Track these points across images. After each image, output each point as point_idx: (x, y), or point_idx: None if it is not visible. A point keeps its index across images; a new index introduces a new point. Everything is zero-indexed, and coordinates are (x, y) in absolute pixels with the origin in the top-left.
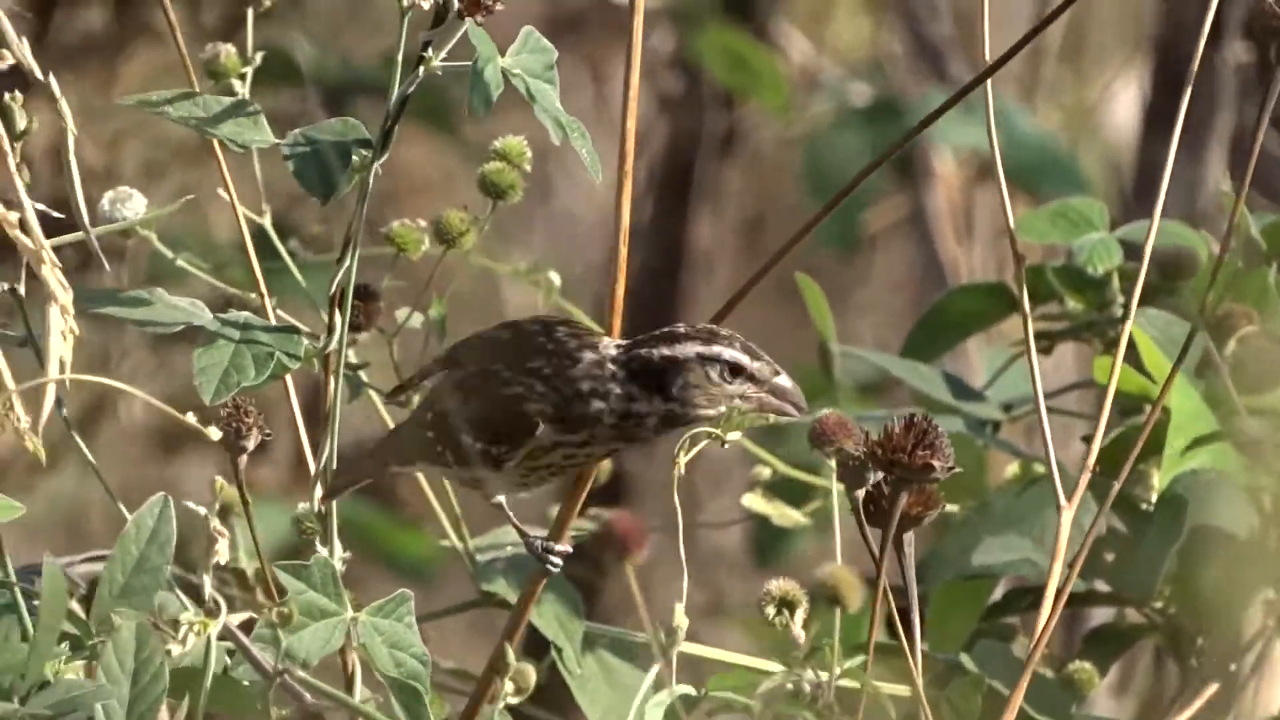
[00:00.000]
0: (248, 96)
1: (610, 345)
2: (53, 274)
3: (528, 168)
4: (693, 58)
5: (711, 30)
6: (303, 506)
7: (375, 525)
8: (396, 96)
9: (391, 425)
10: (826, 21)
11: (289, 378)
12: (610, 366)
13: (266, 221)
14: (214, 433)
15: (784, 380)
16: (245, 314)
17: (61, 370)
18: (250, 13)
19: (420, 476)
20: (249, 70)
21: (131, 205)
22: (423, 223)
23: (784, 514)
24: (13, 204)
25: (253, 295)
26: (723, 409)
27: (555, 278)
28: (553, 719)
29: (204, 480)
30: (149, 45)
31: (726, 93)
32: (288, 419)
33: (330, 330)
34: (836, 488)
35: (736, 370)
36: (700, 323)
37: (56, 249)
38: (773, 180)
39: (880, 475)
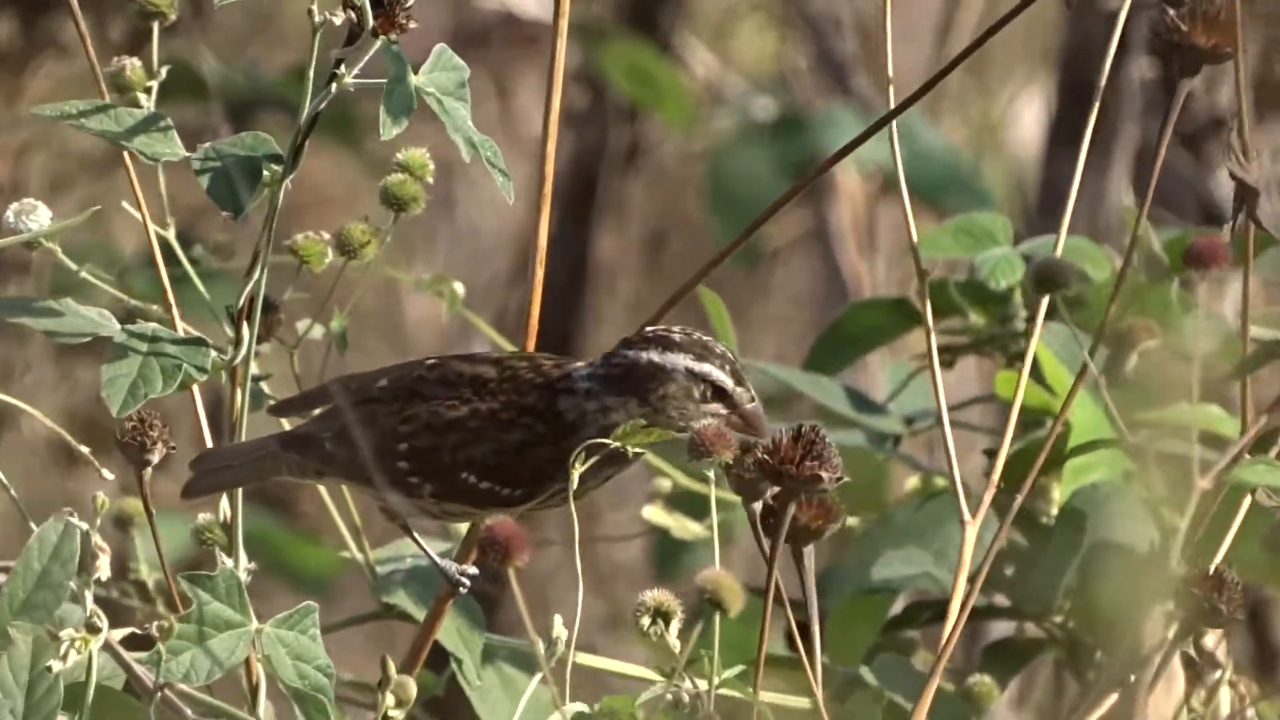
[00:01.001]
0: (153, 110)
1: (570, 366)
2: None
3: (430, 180)
4: (597, 72)
5: (616, 44)
6: (204, 517)
7: (275, 537)
8: (308, 113)
9: None
10: (730, 36)
11: (195, 389)
12: (581, 384)
13: (171, 234)
14: (101, 461)
15: (755, 407)
16: (153, 325)
17: None
18: (155, 27)
19: (323, 489)
20: (154, 84)
21: (36, 217)
22: (325, 235)
23: (684, 526)
24: None
25: (155, 307)
26: (694, 425)
27: (459, 288)
28: None
29: (109, 492)
30: (55, 58)
31: (631, 107)
32: (189, 430)
33: (237, 342)
34: (730, 499)
35: (719, 394)
36: (692, 332)
37: None
38: (676, 194)
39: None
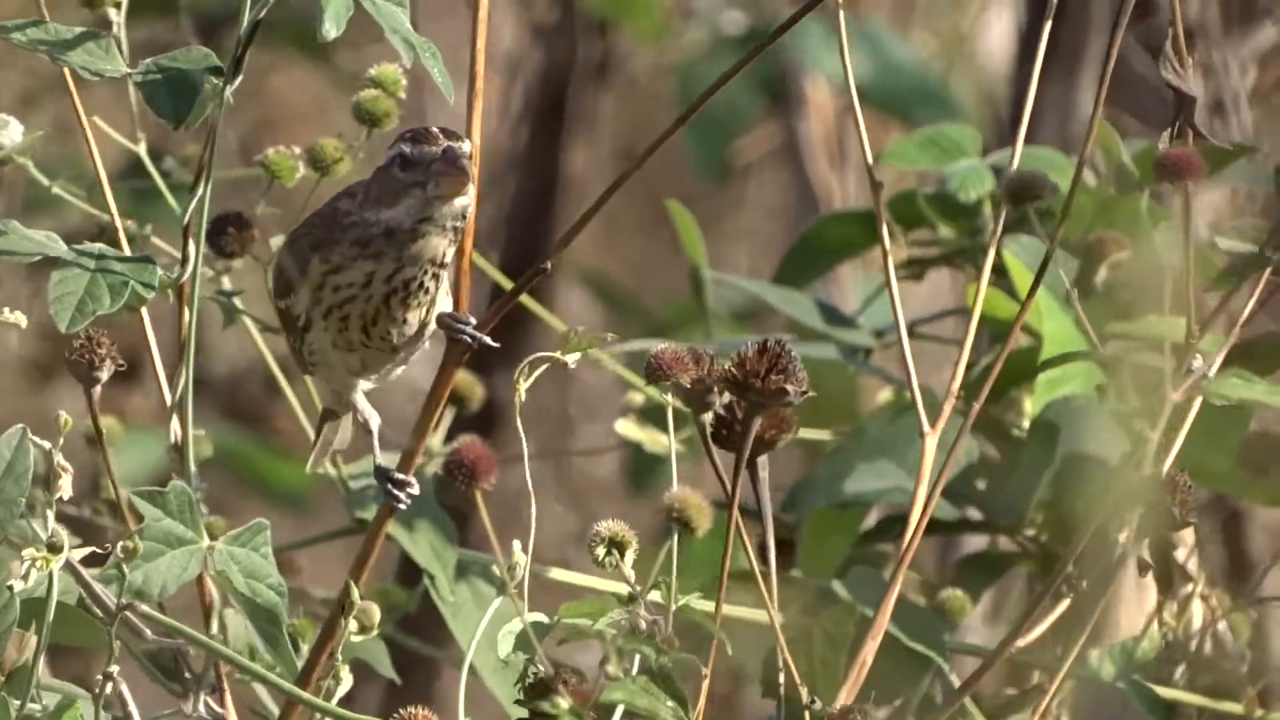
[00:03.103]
0: (122, 25)
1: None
2: None
3: (403, 95)
4: None
5: None
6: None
7: (250, 453)
8: (248, 22)
9: (268, 353)
10: None
11: (162, 307)
12: (359, 196)
13: (141, 149)
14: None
15: (447, 150)
16: (99, 245)
17: None
18: None
19: (298, 404)
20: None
21: (7, 133)
22: (297, 150)
23: (656, 440)
24: None
25: (129, 222)
26: (410, 203)
27: None
28: (426, 647)
29: (79, 411)
30: None
31: (600, 20)
32: (163, 346)
33: (184, 260)
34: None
35: (406, 163)
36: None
37: None
38: (647, 108)
39: (730, 398)
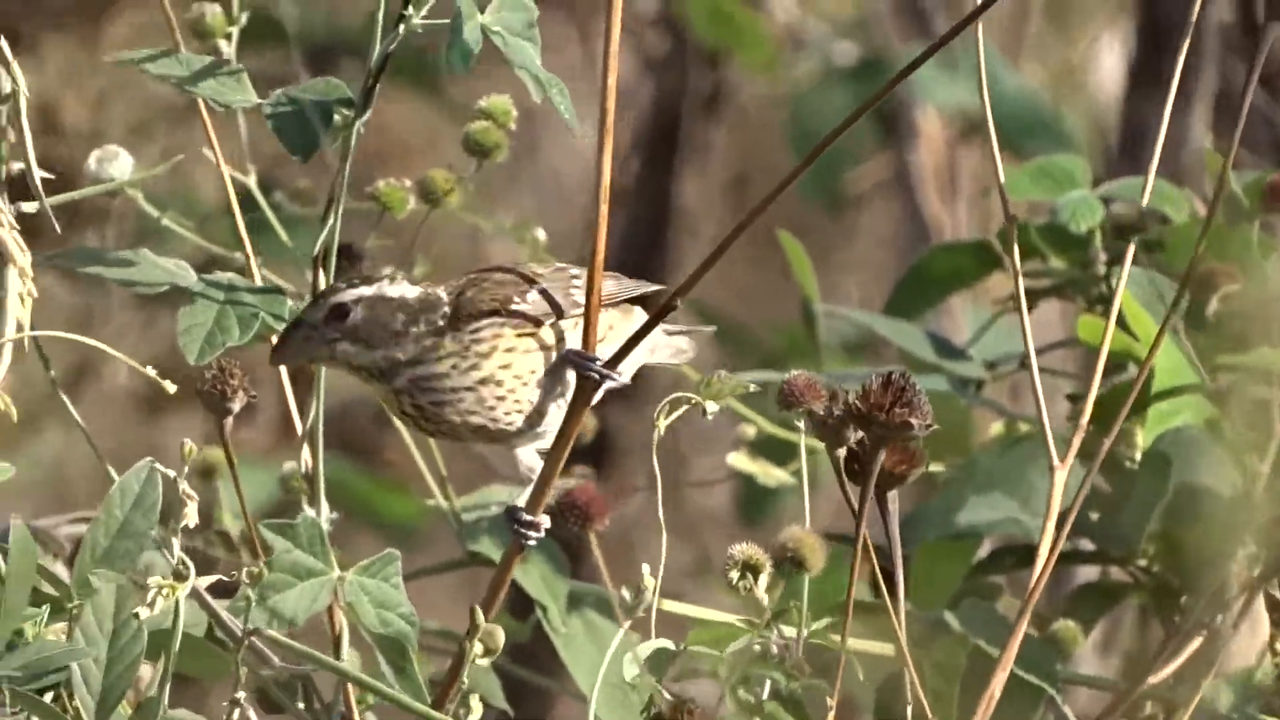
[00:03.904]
0: (233, 56)
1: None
2: (10, 236)
3: (513, 127)
4: (678, 16)
5: None
6: (289, 466)
7: (361, 485)
8: (378, 55)
9: None
10: None
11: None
12: None
13: (251, 181)
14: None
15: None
16: (230, 275)
17: (19, 331)
18: None
19: (409, 437)
20: (234, 30)
21: (118, 165)
22: (408, 182)
23: (769, 473)
24: None
25: (237, 254)
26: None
27: (541, 234)
28: (538, 677)
29: (190, 442)
30: (134, 5)
31: (712, 52)
32: (273, 379)
33: (314, 291)
34: (816, 446)
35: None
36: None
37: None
38: (758, 139)
39: (859, 433)
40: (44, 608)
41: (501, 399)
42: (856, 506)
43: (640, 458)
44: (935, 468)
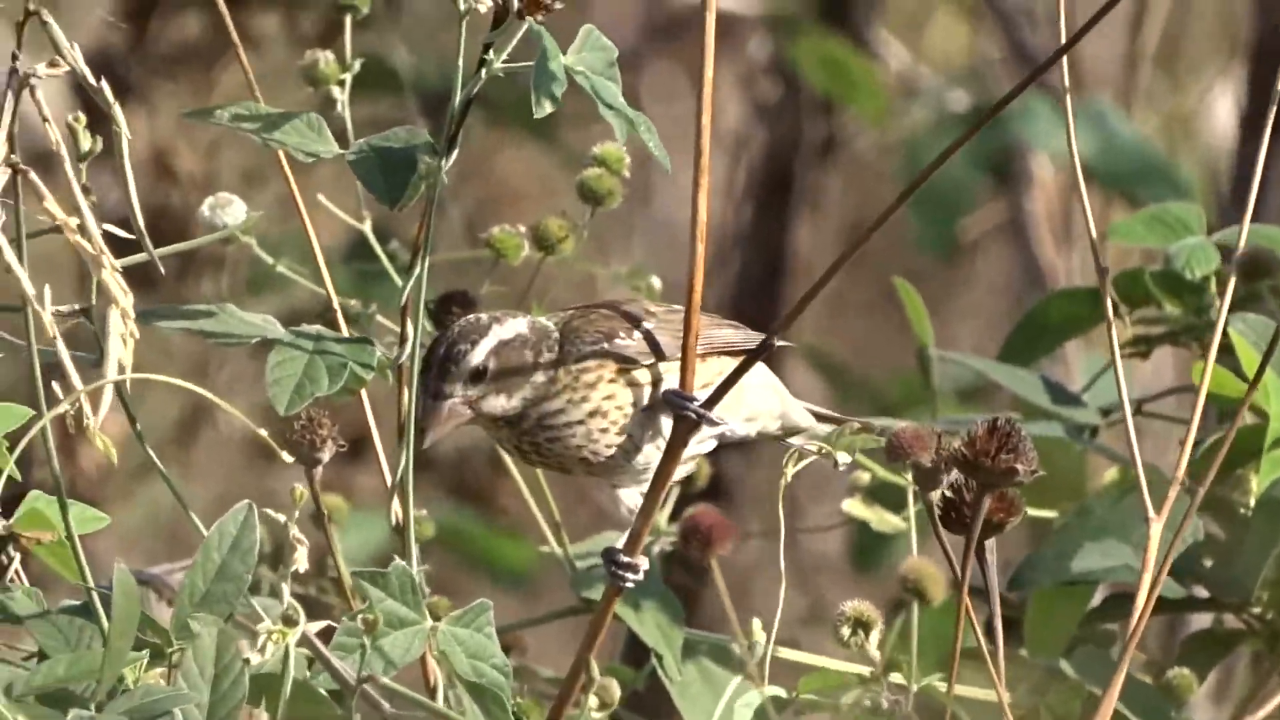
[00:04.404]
0: (346, 103)
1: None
2: (112, 279)
3: (627, 174)
4: (790, 65)
5: (809, 37)
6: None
7: (475, 533)
8: (459, 101)
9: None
10: (924, 28)
11: (393, 386)
12: None
13: (366, 227)
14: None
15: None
16: (317, 326)
17: (120, 373)
18: (348, 19)
19: (524, 484)
20: (347, 77)
21: (231, 211)
22: (522, 229)
23: (883, 519)
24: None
25: (353, 301)
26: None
27: (656, 282)
28: None
29: (304, 487)
30: (247, 52)
31: (825, 100)
32: (391, 427)
33: (402, 340)
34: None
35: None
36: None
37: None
38: (872, 187)
39: (957, 478)
40: (144, 652)
41: (605, 430)
42: (961, 553)
43: (754, 505)
44: (1049, 514)
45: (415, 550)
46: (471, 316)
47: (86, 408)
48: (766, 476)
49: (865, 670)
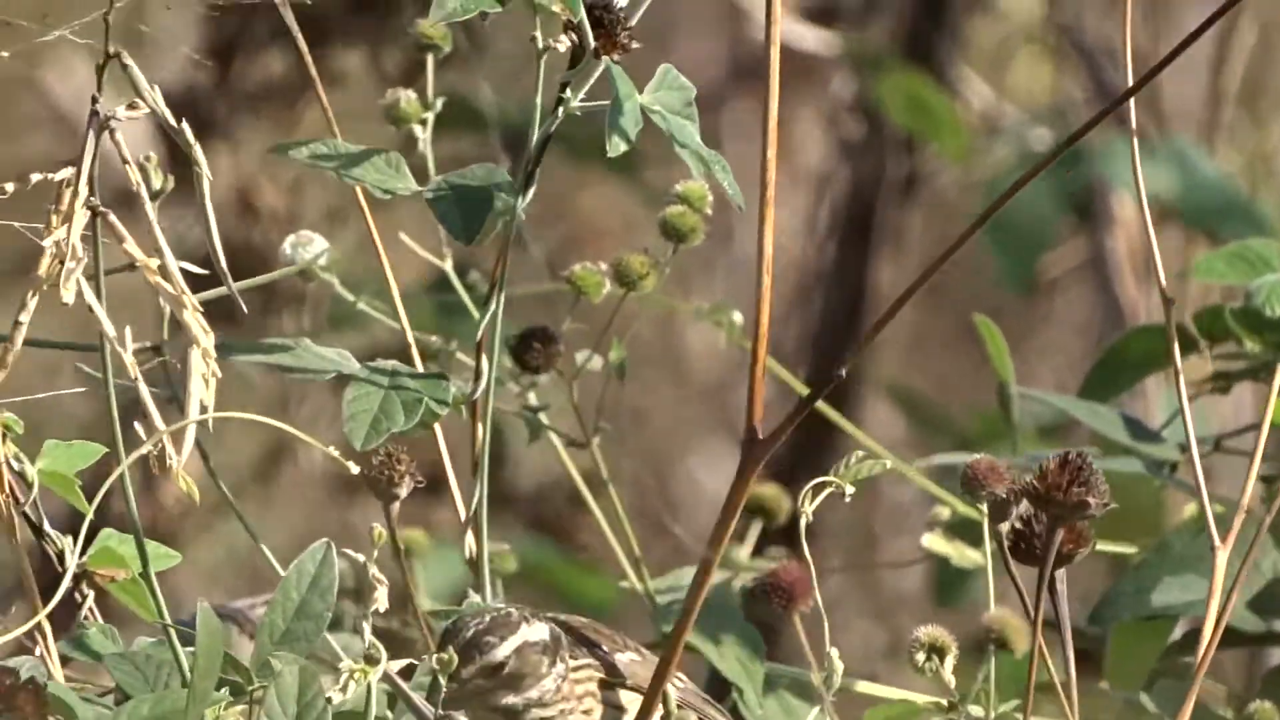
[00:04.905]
0: (428, 141)
1: None
2: (194, 319)
3: (709, 212)
4: (874, 103)
5: (892, 75)
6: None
7: (555, 567)
8: (537, 139)
9: (573, 468)
10: (1006, 67)
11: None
12: None
13: (448, 264)
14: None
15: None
16: (393, 362)
17: (203, 412)
18: (431, 59)
19: (603, 519)
20: (430, 115)
21: (313, 249)
22: (603, 266)
23: (963, 554)
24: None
25: (434, 338)
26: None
27: (737, 317)
28: None
29: (382, 526)
30: (329, 90)
31: (907, 137)
32: (471, 462)
33: (477, 376)
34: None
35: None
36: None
37: (233, 294)
38: (954, 225)
39: (1027, 510)
40: (223, 690)
41: None
42: (1035, 586)
43: (834, 539)
44: (1128, 549)
45: (489, 585)
46: (504, 610)
47: (170, 447)
48: (846, 511)
49: (942, 701)
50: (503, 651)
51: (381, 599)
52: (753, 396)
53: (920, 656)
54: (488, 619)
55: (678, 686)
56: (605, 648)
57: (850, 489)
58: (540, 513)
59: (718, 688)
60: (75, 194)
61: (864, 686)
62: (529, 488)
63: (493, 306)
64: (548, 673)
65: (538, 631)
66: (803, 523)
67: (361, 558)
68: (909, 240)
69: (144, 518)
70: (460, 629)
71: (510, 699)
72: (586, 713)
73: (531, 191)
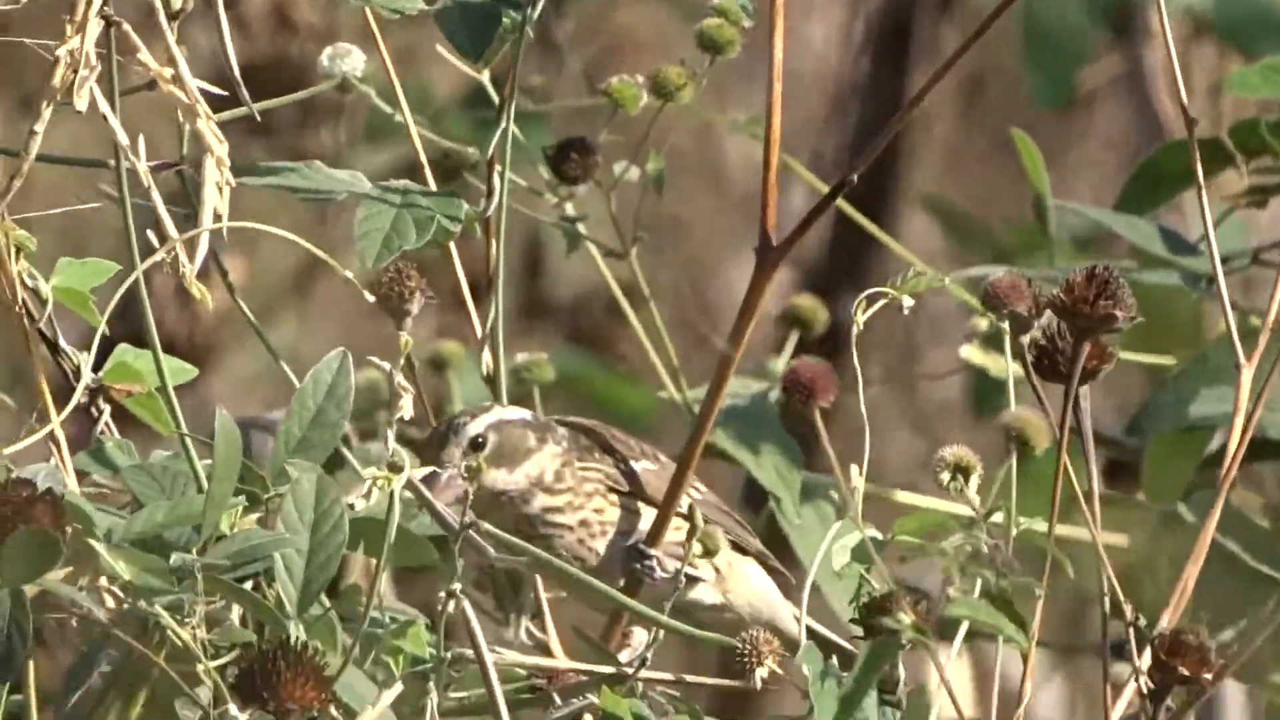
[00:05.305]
0: None
1: None
2: (208, 127)
3: (746, 24)
4: None
5: None
6: (522, 357)
7: (593, 377)
8: None
9: (611, 279)
10: None
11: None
12: None
13: (485, 77)
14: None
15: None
16: (404, 181)
17: (216, 221)
18: None
19: (642, 331)
20: None
21: (350, 61)
22: (640, 78)
23: (1000, 365)
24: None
25: (470, 149)
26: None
27: None
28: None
29: (422, 335)
30: None
31: None
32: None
33: (489, 193)
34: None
35: None
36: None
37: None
38: (992, 38)
39: (1051, 326)
40: (239, 498)
41: (581, 542)
42: (1063, 400)
43: (874, 349)
44: (1167, 361)
45: (530, 396)
46: (470, 410)
47: (183, 256)
48: (886, 322)
49: (965, 512)
50: (476, 427)
51: (406, 406)
52: (766, 202)
53: (945, 475)
54: (460, 411)
55: (694, 496)
56: (620, 453)
57: (909, 301)
58: (578, 323)
59: (756, 497)
60: (90, 3)
61: (901, 496)
62: (567, 298)
63: (502, 124)
64: (539, 448)
65: (516, 413)
66: (854, 331)
67: (387, 365)
68: (944, 53)
69: (180, 330)
70: (437, 426)
71: (506, 476)
72: (598, 510)
73: (541, 4)
